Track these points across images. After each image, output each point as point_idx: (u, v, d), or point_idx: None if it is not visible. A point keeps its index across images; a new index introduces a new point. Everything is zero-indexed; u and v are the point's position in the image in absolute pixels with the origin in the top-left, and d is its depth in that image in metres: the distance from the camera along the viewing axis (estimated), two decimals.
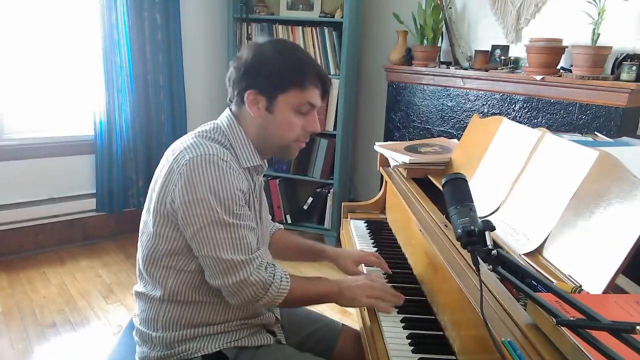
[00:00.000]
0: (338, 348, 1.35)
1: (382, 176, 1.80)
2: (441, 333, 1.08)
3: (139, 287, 1.22)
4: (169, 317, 1.15)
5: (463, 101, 2.72)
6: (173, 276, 1.14)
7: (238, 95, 1.16)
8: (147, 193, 1.19)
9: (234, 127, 1.17)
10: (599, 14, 2.19)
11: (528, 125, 1.33)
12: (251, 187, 1.18)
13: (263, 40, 1.17)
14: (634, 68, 2.12)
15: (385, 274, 1.34)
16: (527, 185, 1.15)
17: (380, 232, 1.65)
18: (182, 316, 1.15)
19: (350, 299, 1.18)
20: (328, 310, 2.49)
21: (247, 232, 1.10)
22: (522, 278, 0.80)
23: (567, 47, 2.37)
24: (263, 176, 1.30)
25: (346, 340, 1.37)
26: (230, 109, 1.20)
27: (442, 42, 3.00)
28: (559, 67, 2.38)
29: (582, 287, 0.84)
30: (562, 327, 0.68)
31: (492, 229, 0.82)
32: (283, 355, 1.20)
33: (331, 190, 3.29)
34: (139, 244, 1.20)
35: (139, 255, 1.20)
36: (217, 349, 1.15)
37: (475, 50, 2.79)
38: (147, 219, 1.17)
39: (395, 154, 1.68)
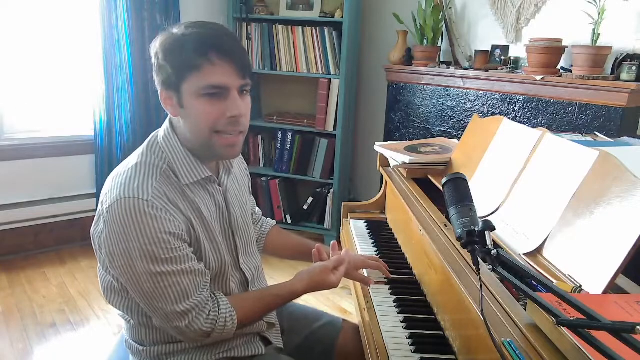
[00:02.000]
0: (340, 344, 1.31)
1: (382, 176, 1.80)
2: (441, 333, 1.08)
3: (117, 310, 1.17)
4: (152, 336, 1.12)
5: (463, 101, 2.72)
6: (135, 307, 1.09)
7: (160, 99, 1.05)
8: None
9: (170, 139, 1.05)
10: (599, 14, 2.19)
11: (528, 125, 1.33)
12: (210, 201, 1.10)
13: (163, 31, 1.03)
14: (634, 68, 2.12)
15: (385, 278, 1.33)
16: (527, 185, 1.15)
17: (380, 232, 1.65)
18: (166, 334, 1.10)
19: (324, 284, 1.16)
20: (328, 308, 2.49)
21: (182, 277, 1.00)
22: (522, 278, 0.80)
23: (567, 47, 2.37)
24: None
25: (348, 335, 1.33)
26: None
27: (442, 42, 3.00)
28: (559, 67, 2.38)
29: (582, 287, 0.84)
30: (562, 327, 0.68)
31: (492, 229, 0.81)
32: None
33: (331, 190, 3.29)
34: (98, 276, 1.15)
35: (100, 286, 1.15)
36: None
37: (475, 50, 2.79)
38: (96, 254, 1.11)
39: (395, 154, 1.68)
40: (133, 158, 1.07)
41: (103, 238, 1.00)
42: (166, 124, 1.08)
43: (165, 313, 1.01)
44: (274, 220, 1.46)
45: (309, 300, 2.52)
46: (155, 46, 1.02)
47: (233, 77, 1.00)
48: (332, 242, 1.31)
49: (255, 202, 1.37)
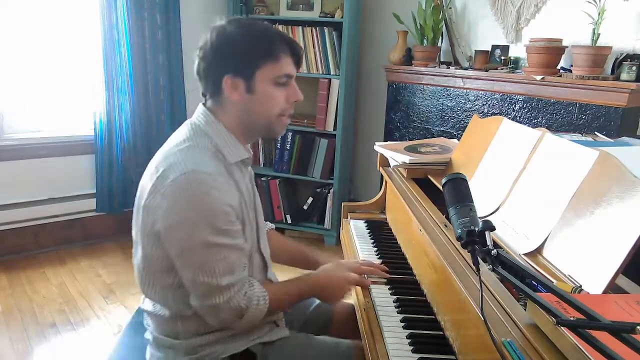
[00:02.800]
0: (336, 318, 1.41)
1: (382, 176, 1.80)
2: (441, 333, 1.08)
3: (147, 305, 1.19)
4: (188, 327, 1.13)
5: (463, 101, 2.72)
6: (171, 295, 1.11)
7: (213, 86, 1.12)
8: None
9: (214, 124, 1.12)
10: (599, 14, 2.19)
11: (528, 125, 1.33)
12: (243, 182, 1.16)
13: (221, 22, 1.12)
14: (634, 68, 2.12)
15: (385, 278, 1.33)
16: (527, 185, 1.15)
17: (380, 232, 1.65)
18: (202, 325, 1.12)
19: (333, 291, 1.25)
20: None
21: (231, 252, 1.06)
22: (522, 278, 0.80)
23: (567, 47, 2.37)
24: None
25: (340, 310, 1.43)
26: (205, 104, 1.16)
27: (442, 42, 3.00)
28: (559, 67, 2.39)
29: (582, 287, 0.84)
30: (562, 327, 0.68)
31: (492, 229, 0.82)
32: (295, 342, 1.23)
33: (331, 190, 3.29)
34: (134, 263, 1.17)
35: (136, 276, 1.17)
36: (244, 348, 1.16)
37: (475, 50, 2.79)
38: (136, 239, 1.13)
39: (395, 154, 1.68)
40: (180, 140, 1.11)
41: (161, 211, 1.03)
42: (203, 112, 1.14)
43: (209, 287, 1.04)
44: (273, 224, 1.49)
45: None
46: (217, 36, 1.09)
47: (294, 68, 1.14)
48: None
49: None
